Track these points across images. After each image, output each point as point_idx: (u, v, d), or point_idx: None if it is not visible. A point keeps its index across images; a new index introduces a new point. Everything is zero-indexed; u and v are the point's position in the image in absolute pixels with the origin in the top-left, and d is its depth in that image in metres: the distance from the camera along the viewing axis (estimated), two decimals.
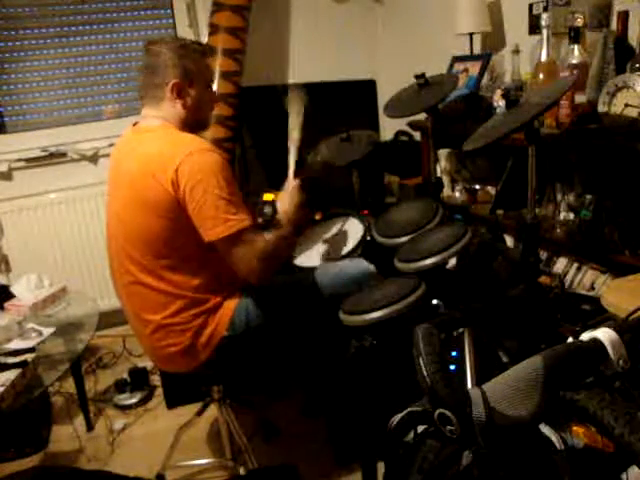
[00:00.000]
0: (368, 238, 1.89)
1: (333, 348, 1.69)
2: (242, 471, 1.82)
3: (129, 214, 1.52)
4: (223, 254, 1.50)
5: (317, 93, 2.93)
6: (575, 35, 1.85)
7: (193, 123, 1.61)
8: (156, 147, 1.50)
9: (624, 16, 1.79)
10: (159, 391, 2.44)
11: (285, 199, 1.74)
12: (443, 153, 2.63)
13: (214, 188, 1.43)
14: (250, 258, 1.49)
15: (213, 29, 2.78)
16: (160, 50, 1.54)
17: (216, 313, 1.57)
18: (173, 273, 1.52)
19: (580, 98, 1.84)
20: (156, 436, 2.17)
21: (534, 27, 2.29)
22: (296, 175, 1.81)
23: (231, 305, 1.59)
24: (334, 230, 2.02)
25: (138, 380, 2.48)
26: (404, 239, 1.71)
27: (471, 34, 2.50)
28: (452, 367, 1.28)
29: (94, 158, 2.97)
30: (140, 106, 1.62)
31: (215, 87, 2.67)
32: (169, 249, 1.50)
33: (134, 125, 1.63)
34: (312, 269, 1.76)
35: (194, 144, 1.48)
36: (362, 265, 1.75)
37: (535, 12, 2.29)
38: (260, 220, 2.17)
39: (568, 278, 1.98)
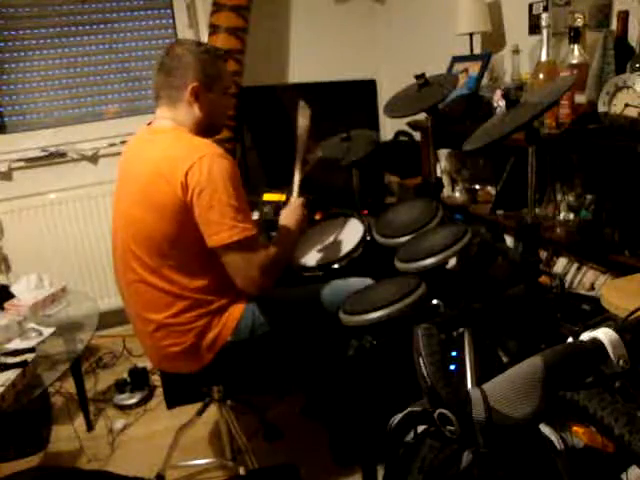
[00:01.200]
0: (368, 238, 1.89)
1: (333, 348, 1.70)
2: (242, 471, 1.82)
3: (137, 213, 1.52)
4: (223, 261, 1.49)
5: (317, 93, 2.94)
6: (575, 35, 1.85)
7: (207, 127, 1.61)
8: (168, 149, 1.50)
9: (624, 16, 1.79)
10: (159, 391, 2.45)
11: (288, 215, 1.75)
12: (443, 153, 2.63)
13: (222, 194, 1.43)
14: (250, 268, 1.49)
15: (213, 29, 2.78)
16: (182, 52, 1.54)
17: (221, 316, 1.57)
18: (178, 274, 1.52)
19: (580, 98, 1.84)
20: (156, 436, 2.17)
21: (534, 27, 2.29)
22: (301, 193, 1.82)
23: (238, 310, 1.59)
24: (334, 230, 2.02)
25: (138, 380, 2.48)
26: (404, 239, 1.71)
27: (471, 34, 2.50)
28: (452, 367, 1.29)
29: (94, 158, 2.97)
30: (143, 105, 1.63)
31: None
32: (175, 250, 1.50)
33: (148, 125, 1.63)
34: (320, 283, 1.76)
35: (206, 148, 1.48)
36: (369, 284, 1.76)
37: (535, 12, 2.29)
38: (260, 220, 2.18)
39: (568, 278, 1.98)
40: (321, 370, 1.90)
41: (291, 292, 1.75)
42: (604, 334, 0.75)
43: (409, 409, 0.89)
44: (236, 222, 1.45)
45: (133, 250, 1.54)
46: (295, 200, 1.80)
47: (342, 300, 1.65)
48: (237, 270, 1.50)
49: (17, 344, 1.91)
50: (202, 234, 1.47)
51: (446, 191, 2.55)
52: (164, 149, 1.51)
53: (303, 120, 1.90)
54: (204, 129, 1.60)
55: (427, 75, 1.91)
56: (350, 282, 1.77)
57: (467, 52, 2.54)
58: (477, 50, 2.58)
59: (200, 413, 1.96)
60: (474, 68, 2.44)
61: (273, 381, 2.12)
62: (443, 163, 2.62)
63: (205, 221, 1.45)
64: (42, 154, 2.88)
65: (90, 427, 2.28)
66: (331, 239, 1.99)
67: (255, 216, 2.17)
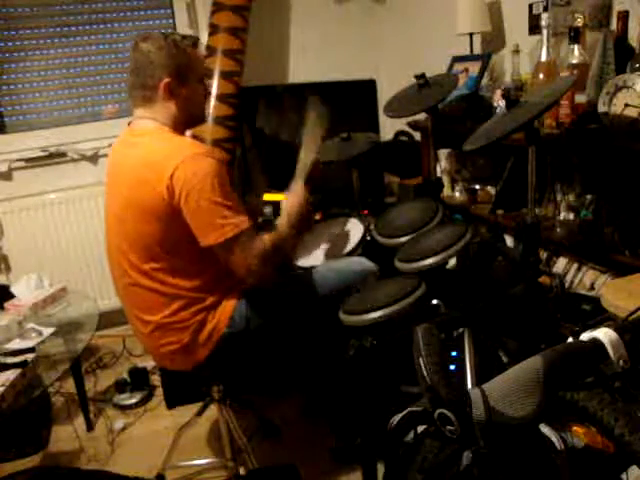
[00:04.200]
0: (368, 238, 1.89)
1: (333, 348, 1.69)
2: (242, 471, 1.82)
3: (126, 218, 1.52)
4: (222, 258, 1.49)
5: (317, 93, 2.94)
6: (575, 35, 1.85)
7: (188, 120, 1.60)
8: (151, 152, 1.49)
9: (624, 16, 1.79)
10: (159, 391, 2.44)
11: (291, 197, 1.70)
12: (443, 153, 2.63)
13: (209, 193, 1.42)
14: (248, 260, 1.49)
15: (213, 29, 2.78)
16: (149, 49, 1.49)
17: (216, 310, 1.57)
18: (170, 275, 1.52)
19: (580, 98, 1.84)
20: (156, 436, 2.17)
21: (534, 27, 2.29)
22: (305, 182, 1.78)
23: (231, 302, 1.59)
24: (334, 230, 2.02)
25: (138, 380, 2.48)
26: (404, 239, 1.71)
27: (471, 34, 2.50)
28: (452, 367, 1.29)
29: (94, 158, 2.97)
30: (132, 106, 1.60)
31: (215, 87, 2.68)
32: (165, 252, 1.50)
33: (128, 125, 1.61)
34: (314, 266, 1.77)
35: (189, 149, 1.47)
36: (364, 263, 1.76)
37: (535, 12, 2.29)
38: (260, 220, 2.18)
39: (568, 278, 1.97)
40: (321, 370, 1.90)
41: (284, 277, 1.74)
42: (604, 334, 0.75)
43: (409, 409, 0.89)
44: (227, 219, 1.44)
45: (125, 254, 1.54)
46: (299, 185, 1.73)
47: (335, 279, 1.66)
48: (237, 264, 1.50)
49: (17, 344, 1.91)
50: (194, 235, 1.46)
51: (446, 191, 2.55)
52: (147, 152, 1.50)
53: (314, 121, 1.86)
54: (185, 122, 1.59)
55: (427, 75, 1.91)
56: (342, 262, 1.77)
57: (467, 52, 2.54)
58: (477, 50, 2.58)
59: (200, 413, 1.96)
60: (474, 68, 2.44)
61: (272, 377, 2.11)
62: (443, 163, 2.62)
63: (196, 222, 1.45)
64: (42, 154, 2.88)
65: (90, 427, 2.28)
66: (331, 239, 1.99)
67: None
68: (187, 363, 1.61)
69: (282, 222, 1.66)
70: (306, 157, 1.79)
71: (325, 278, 1.70)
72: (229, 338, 1.57)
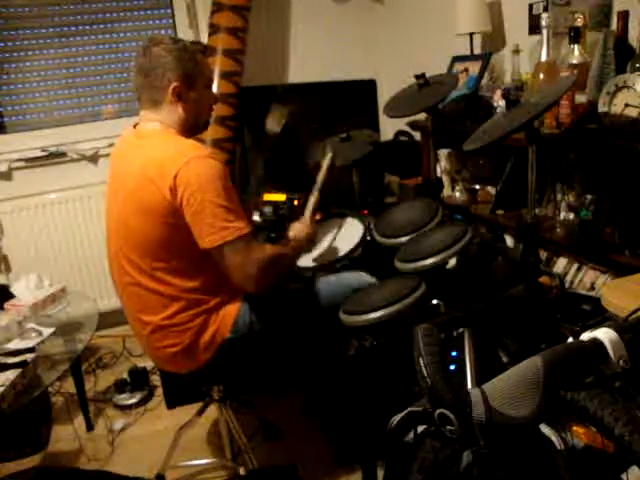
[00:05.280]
0: (368, 238, 1.89)
1: (333, 348, 1.69)
2: (242, 471, 1.81)
3: (127, 217, 1.52)
4: (219, 261, 1.49)
5: (317, 93, 2.95)
6: (575, 35, 1.85)
7: (193, 125, 1.60)
8: (156, 153, 1.49)
9: (624, 16, 1.79)
10: (159, 391, 2.44)
11: (299, 229, 1.74)
12: (443, 153, 2.63)
13: (212, 195, 1.42)
14: (246, 266, 1.48)
15: (213, 29, 2.78)
16: (159, 52, 1.50)
17: (218, 314, 1.57)
18: (171, 275, 1.52)
19: (580, 98, 1.84)
20: (156, 436, 2.17)
21: (534, 27, 2.29)
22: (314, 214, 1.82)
23: (235, 307, 1.59)
24: (334, 230, 2.02)
25: (138, 380, 2.48)
26: (404, 239, 1.71)
27: (471, 34, 2.50)
28: (452, 367, 1.29)
29: (94, 158, 2.97)
30: (139, 107, 1.61)
31: (215, 87, 2.68)
32: (166, 252, 1.50)
33: (134, 127, 1.61)
34: (315, 278, 1.76)
35: (193, 151, 1.46)
36: (363, 278, 1.76)
37: (535, 12, 2.29)
38: (260, 220, 2.18)
39: (568, 278, 1.97)
40: (321, 370, 1.90)
41: (287, 288, 1.74)
42: (604, 334, 0.75)
43: (409, 409, 0.89)
44: (228, 223, 1.44)
45: (126, 254, 1.54)
46: (308, 219, 1.79)
47: (336, 294, 1.65)
48: (234, 269, 1.49)
49: (17, 344, 1.91)
50: (194, 236, 1.46)
51: (446, 191, 2.55)
52: (151, 153, 1.49)
53: (327, 161, 1.88)
54: (190, 127, 1.59)
55: (427, 75, 1.91)
56: (343, 276, 1.77)
57: (467, 52, 2.54)
58: (477, 50, 2.58)
59: (200, 413, 1.96)
60: (474, 68, 2.44)
61: (273, 380, 2.11)
62: (443, 163, 2.62)
63: (197, 224, 1.44)
64: (42, 154, 2.88)
65: (90, 427, 2.28)
66: (331, 239, 1.99)
67: (256, 216, 2.17)
68: (188, 366, 1.60)
69: (288, 242, 1.69)
70: (316, 194, 1.84)
71: (325, 291, 1.70)
72: (232, 343, 1.57)
